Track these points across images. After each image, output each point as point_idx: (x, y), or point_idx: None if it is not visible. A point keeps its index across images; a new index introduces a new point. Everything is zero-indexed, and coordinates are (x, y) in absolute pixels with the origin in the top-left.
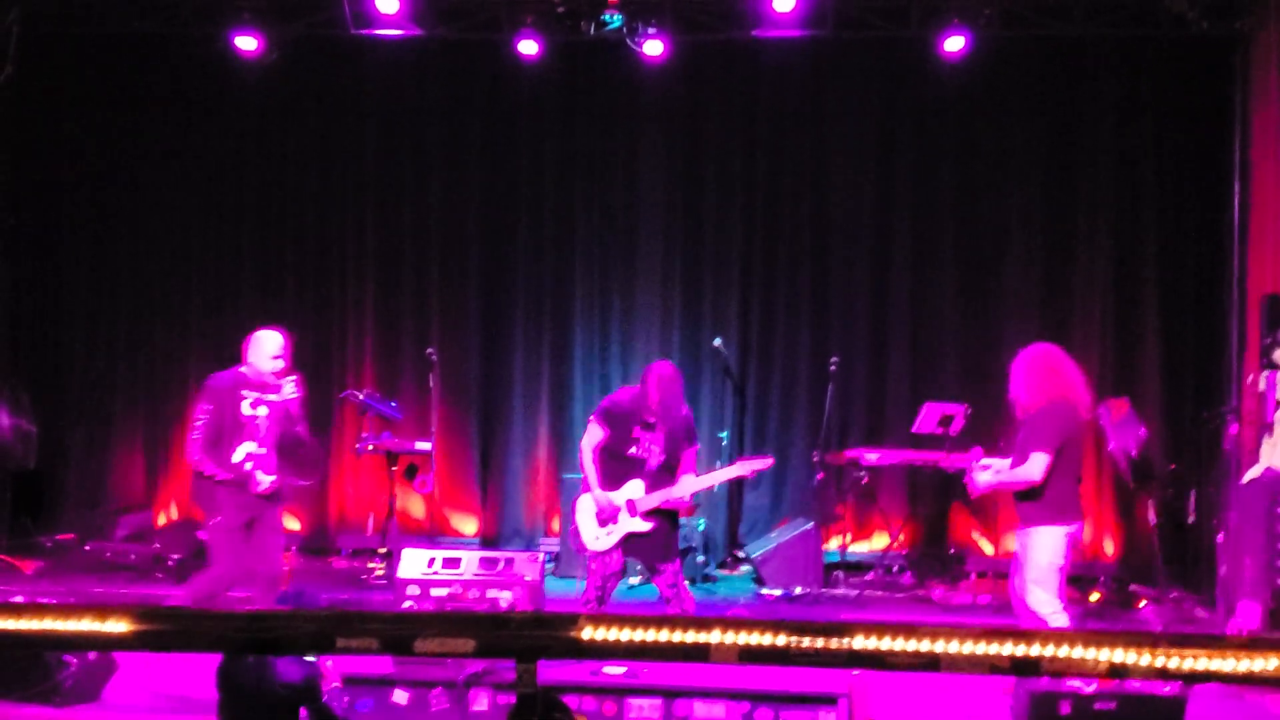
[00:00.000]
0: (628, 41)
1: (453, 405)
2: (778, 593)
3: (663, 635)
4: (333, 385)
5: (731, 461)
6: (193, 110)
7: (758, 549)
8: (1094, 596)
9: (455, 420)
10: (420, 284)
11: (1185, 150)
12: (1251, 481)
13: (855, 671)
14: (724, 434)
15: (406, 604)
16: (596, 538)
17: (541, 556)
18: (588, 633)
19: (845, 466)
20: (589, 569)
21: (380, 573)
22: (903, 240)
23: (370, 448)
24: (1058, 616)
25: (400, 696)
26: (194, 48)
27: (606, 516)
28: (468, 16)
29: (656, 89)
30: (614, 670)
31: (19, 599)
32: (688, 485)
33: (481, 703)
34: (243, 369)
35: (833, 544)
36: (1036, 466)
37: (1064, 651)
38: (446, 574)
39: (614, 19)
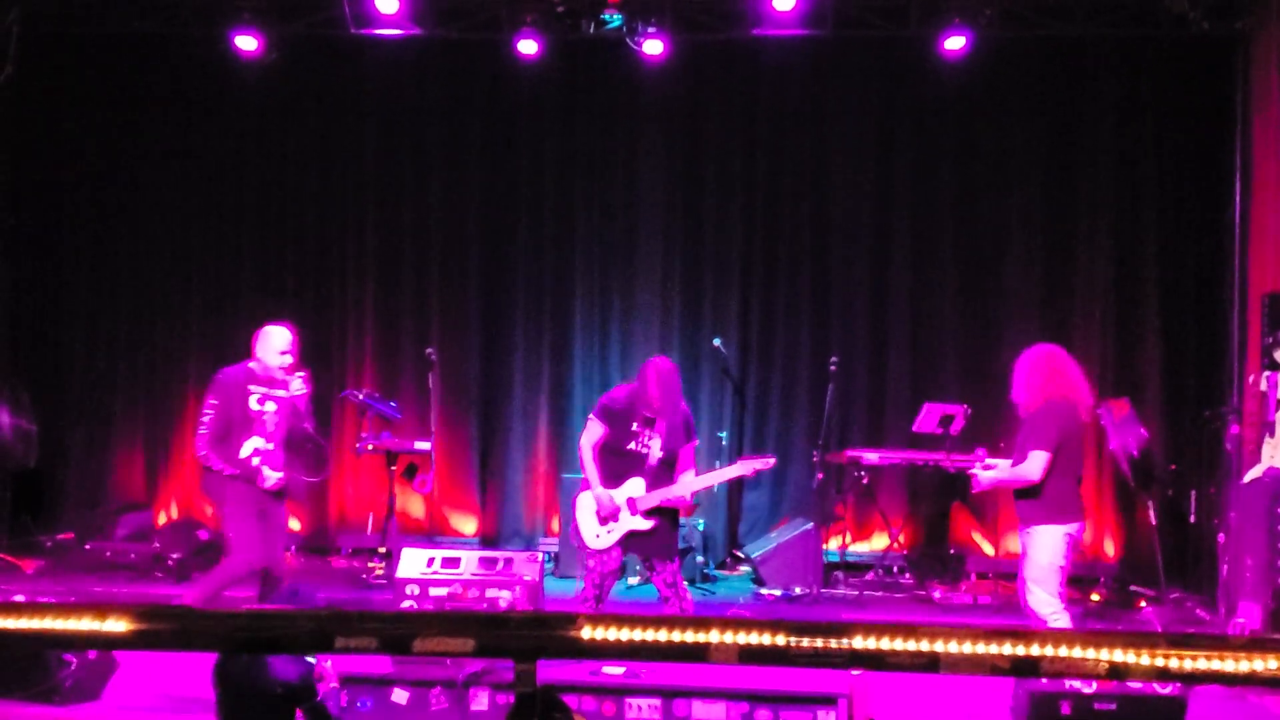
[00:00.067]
0: (628, 41)
1: (452, 405)
2: (777, 593)
3: (662, 635)
4: (333, 385)
5: (733, 461)
6: (193, 110)
7: (757, 549)
8: (1094, 597)
9: (455, 420)
10: (420, 284)
11: (1185, 150)
12: (1252, 481)
13: (855, 671)
14: (724, 434)
15: (406, 603)
16: (597, 535)
17: (541, 556)
18: (587, 632)
19: (845, 466)
20: (587, 567)
21: (380, 572)
22: (902, 240)
23: (370, 447)
24: (1058, 617)
25: (399, 696)
26: (194, 48)
27: (607, 514)
28: (468, 16)
29: (656, 89)
30: (613, 670)
31: (19, 598)
32: (688, 484)
33: (481, 702)
34: (251, 364)
35: (833, 544)
36: (1035, 465)
37: (1064, 652)
38: (446, 574)
39: (614, 18)
